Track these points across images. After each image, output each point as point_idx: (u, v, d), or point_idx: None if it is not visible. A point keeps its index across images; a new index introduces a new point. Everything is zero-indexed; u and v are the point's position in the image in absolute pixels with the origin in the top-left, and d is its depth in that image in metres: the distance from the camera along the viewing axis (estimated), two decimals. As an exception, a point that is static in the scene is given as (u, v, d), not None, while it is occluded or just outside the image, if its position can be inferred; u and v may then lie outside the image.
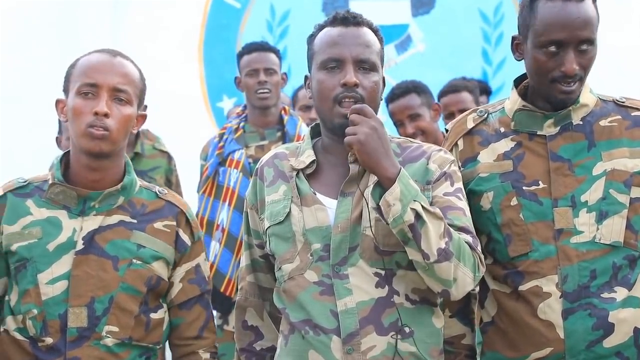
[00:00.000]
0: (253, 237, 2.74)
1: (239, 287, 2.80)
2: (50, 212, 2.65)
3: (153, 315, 2.69)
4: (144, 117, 2.74)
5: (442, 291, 2.50)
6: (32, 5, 7.71)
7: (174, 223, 2.72)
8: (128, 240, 2.66)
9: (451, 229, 2.47)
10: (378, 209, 2.45)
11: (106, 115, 2.59)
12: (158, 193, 2.75)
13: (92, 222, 2.64)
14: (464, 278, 2.48)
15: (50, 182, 2.67)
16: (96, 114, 2.58)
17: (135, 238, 2.66)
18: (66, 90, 2.68)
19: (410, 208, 2.41)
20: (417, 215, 2.42)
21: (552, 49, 2.63)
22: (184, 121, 7.43)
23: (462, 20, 7.66)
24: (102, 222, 2.65)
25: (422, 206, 2.43)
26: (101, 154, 2.62)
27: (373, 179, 2.52)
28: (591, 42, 2.64)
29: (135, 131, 2.70)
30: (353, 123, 2.46)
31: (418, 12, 7.73)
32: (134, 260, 2.65)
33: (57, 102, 2.71)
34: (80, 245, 2.62)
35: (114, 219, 2.67)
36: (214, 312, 4.92)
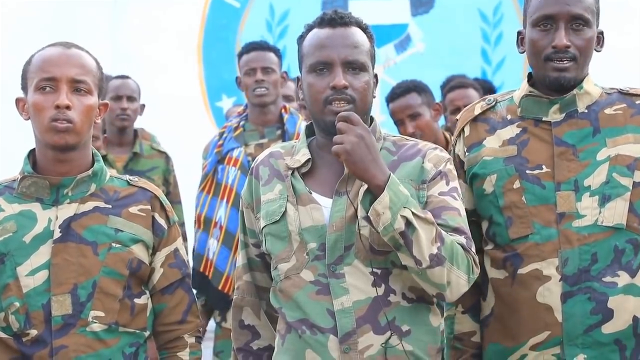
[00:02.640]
0: (249, 237, 2.73)
1: (236, 287, 2.79)
2: (23, 206, 2.64)
3: (137, 300, 2.67)
4: (106, 105, 2.72)
5: (436, 294, 2.50)
6: (30, 6, 7.71)
7: (149, 207, 2.70)
8: (105, 225, 2.64)
9: (443, 233, 2.46)
10: (367, 218, 2.45)
11: (68, 107, 2.57)
12: (129, 181, 2.74)
13: (67, 210, 2.63)
14: (457, 281, 2.47)
15: (19, 177, 2.66)
16: (58, 107, 2.57)
17: (112, 223, 2.65)
18: (24, 87, 2.67)
19: (401, 215, 2.41)
20: (408, 222, 2.41)
21: (545, 25, 2.67)
22: (183, 121, 7.44)
23: (461, 19, 7.67)
24: (77, 209, 2.63)
25: (412, 212, 2.42)
26: (67, 147, 2.61)
27: None
28: (585, 21, 2.68)
29: (98, 120, 2.69)
30: (340, 131, 2.46)
31: (417, 12, 7.73)
32: (114, 244, 2.63)
33: (17, 100, 2.70)
34: (57, 234, 2.61)
35: (89, 205, 2.65)
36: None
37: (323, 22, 2.61)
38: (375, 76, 2.64)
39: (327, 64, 2.56)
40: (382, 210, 2.41)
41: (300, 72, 2.65)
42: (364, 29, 2.63)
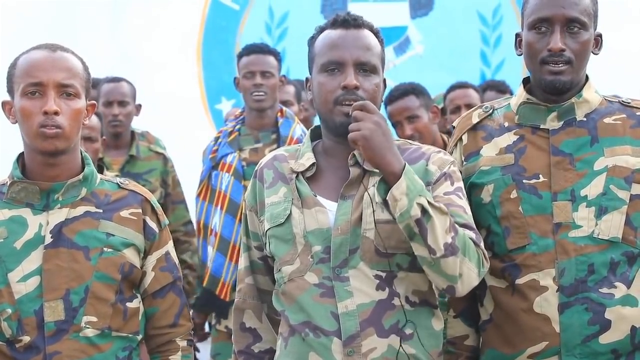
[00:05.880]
0: (252, 239, 2.73)
1: (237, 289, 2.79)
2: (13, 212, 2.62)
3: (129, 305, 2.66)
4: (94, 106, 2.71)
5: (447, 287, 2.49)
6: (31, 5, 7.71)
7: (140, 211, 2.69)
8: (96, 229, 2.63)
9: (456, 224, 2.48)
10: (384, 203, 2.45)
11: (56, 113, 2.55)
12: (120, 184, 2.73)
13: (57, 215, 2.61)
14: (469, 274, 2.48)
15: (9, 182, 2.64)
16: (46, 113, 2.55)
17: (103, 227, 2.64)
18: (10, 91, 2.64)
19: (417, 203, 2.42)
20: (423, 210, 2.42)
21: (541, 28, 2.67)
22: (182, 123, 7.43)
23: (460, 22, 7.66)
24: (67, 214, 2.62)
25: (427, 201, 2.43)
26: (57, 152, 2.59)
27: (373, 181, 2.53)
28: (581, 24, 2.67)
29: (86, 121, 2.68)
30: (356, 119, 2.47)
31: (417, 14, 7.73)
32: (105, 249, 2.62)
33: (3, 103, 2.68)
34: (48, 239, 2.59)
35: (79, 210, 2.64)
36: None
37: (336, 23, 2.62)
38: (384, 80, 2.65)
39: (339, 64, 2.57)
40: (399, 196, 2.41)
41: (310, 72, 2.66)
42: (376, 33, 2.64)
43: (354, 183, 2.56)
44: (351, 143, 2.48)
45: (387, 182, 2.45)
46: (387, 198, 2.43)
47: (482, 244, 2.53)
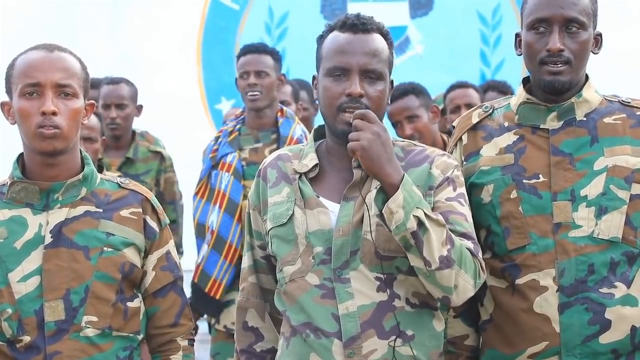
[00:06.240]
0: (255, 239, 2.73)
1: (240, 288, 2.79)
2: (13, 212, 2.62)
3: (130, 304, 2.66)
4: (93, 105, 2.70)
5: (442, 297, 2.50)
6: (31, 5, 7.72)
7: (140, 210, 2.69)
8: (96, 229, 2.63)
9: (453, 236, 2.47)
10: (380, 215, 2.45)
11: (54, 113, 2.55)
12: (120, 183, 2.73)
13: (57, 215, 2.61)
14: (464, 285, 2.48)
15: (9, 182, 2.65)
16: (44, 113, 2.55)
17: (103, 227, 2.63)
18: (9, 91, 2.64)
19: (413, 215, 2.41)
20: (420, 223, 2.42)
21: (539, 28, 2.67)
22: (181, 123, 7.44)
23: (460, 22, 7.68)
24: (67, 214, 2.62)
25: (424, 213, 2.43)
26: (55, 152, 2.59)
27: (376, 183, 2.52)
28: (580, 24, 2.67)
29: (85, 121, 2.67)
30: (356, 128, 2.46)
31: (416, 14, 7.74)
32: (105, 248, 2.62)
33: (2, 104, 2.67)
34: (48, 239, 2.59)
35: (79, 210, 2.63)
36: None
37: (345, 26, 2.60)
38: (391, 82, 2.64)
39: (344, 70, 2.56)
40: (395, 209, 2.41)
41: (317, 71, 2.65)
42: (385, 35, 2.62)
43: (357, 185, 2.56)
44: (350, 152, 2.47)
45: (385, 192, 2.45)
46: (382, 211, 2.43)
47: (480, 254, 2.53)
